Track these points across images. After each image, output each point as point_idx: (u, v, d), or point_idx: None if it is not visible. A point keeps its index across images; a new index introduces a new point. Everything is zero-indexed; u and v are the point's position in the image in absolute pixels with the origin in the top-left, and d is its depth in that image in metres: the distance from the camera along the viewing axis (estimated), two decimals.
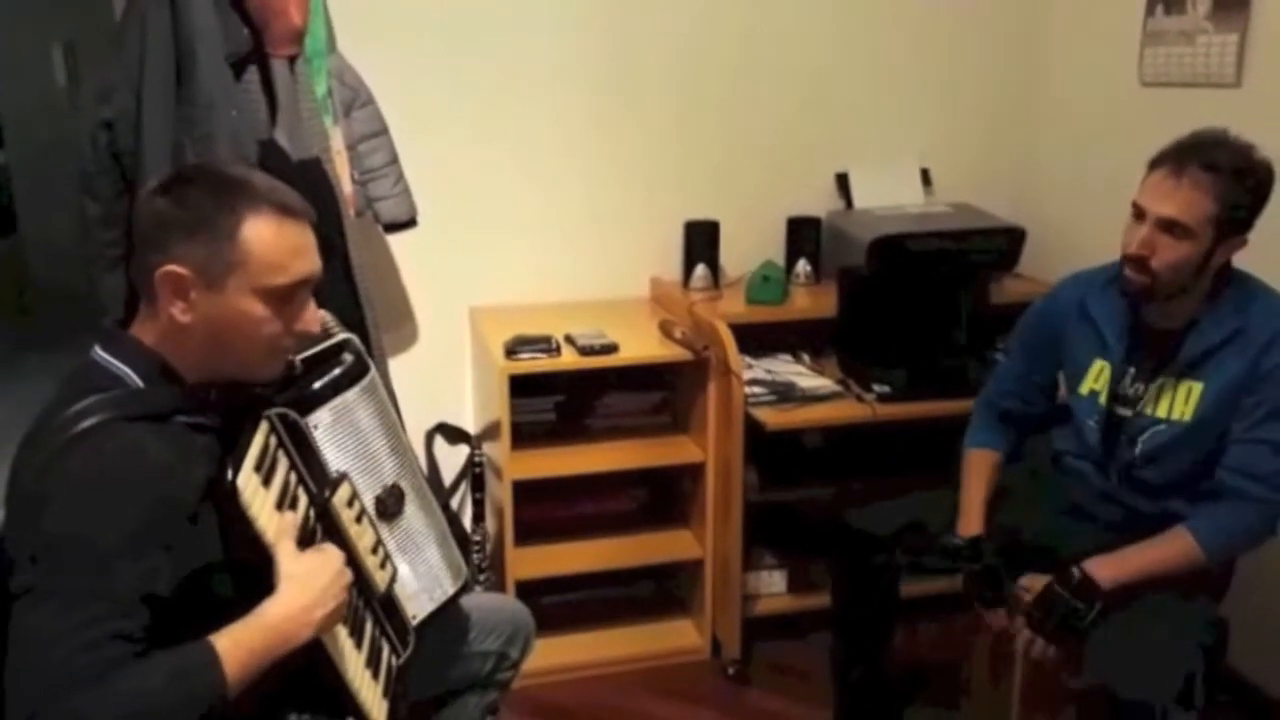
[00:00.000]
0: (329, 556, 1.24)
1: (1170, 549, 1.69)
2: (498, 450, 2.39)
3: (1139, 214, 1.66)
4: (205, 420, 1.23)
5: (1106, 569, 1.69)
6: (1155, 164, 1.66)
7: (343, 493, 1.31)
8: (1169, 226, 1.62)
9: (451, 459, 2.71)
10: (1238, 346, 1.68)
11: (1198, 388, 1.70)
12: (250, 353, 1.24)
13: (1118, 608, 1.68)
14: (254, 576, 1.18)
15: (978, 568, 1.85)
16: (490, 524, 2.60)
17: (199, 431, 1.22)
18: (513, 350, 2.30)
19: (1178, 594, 1.69)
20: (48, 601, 1.06)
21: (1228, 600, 1.82)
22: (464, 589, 1.58)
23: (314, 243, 1.27)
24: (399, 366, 2.54)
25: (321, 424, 1.32)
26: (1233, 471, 1.68)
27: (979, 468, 1.96)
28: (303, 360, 1.33)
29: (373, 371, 1.40)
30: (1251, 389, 1.67)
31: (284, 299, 1.23)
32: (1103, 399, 1.80)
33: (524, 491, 2.37)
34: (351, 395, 1.36)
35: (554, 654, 2.42)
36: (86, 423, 1.13)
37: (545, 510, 2.53)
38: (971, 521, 1.90)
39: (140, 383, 1.21)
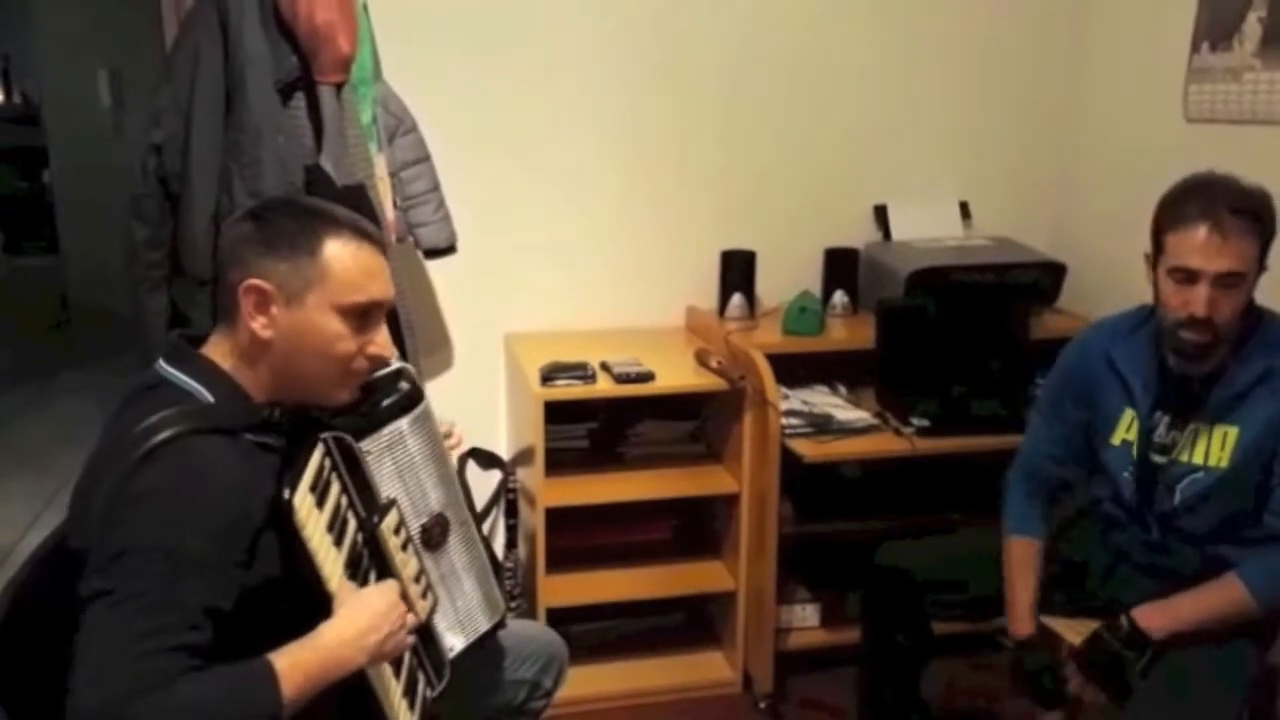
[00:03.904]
0: (385, 588, 1.26)
1: (1221, 597, 1.66)
2: (531, 476, 2.39)
3: (1188, 277, 1.61)
4: (270, 440, 1.25)
5: (1157, 619, 1.66)
6: (1180, 222, 1.61)
7: (391, 519, 1.32)
8: (1228, 281, 1.59)
9: (484, 484, 2.71)
10: (1268, 387, 1.65)
11: (1233, 432, 1.67)
12: (325, 372, 1.28)
13: (1165, 655, 1.64)
14: (308, 595, 1.19)
15: (1033, 670, 1.80)
16: (522, 550, 2.59)
17: (265, 451, 1.24)
18: (549, 377, 2.31)
19: (1224, 642, 1.65)
20: (119, 608, 1.07)
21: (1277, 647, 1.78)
22: (500, 624, 1.58)
23: (388, 270, 1.32)
24: (434, 391, 2.52)
25: (374, 450, 1.33)
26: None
27: (1024, 561, 1.88)
28: (359, 385, 1.35)
29: (426, 401, 1.41)
30: None
31: (360, 318, 1.28)
32: (1135, 449, 1.77)
33: (556, 518, 2.36)
34: (404, 423, 1.37)
35: (584, 684, 2.40)
36: (164, 435, 1.15)
37: (577, 538, 2.52)
38: (1024, 621, 1.84)
39: (211, 398, 1.23)
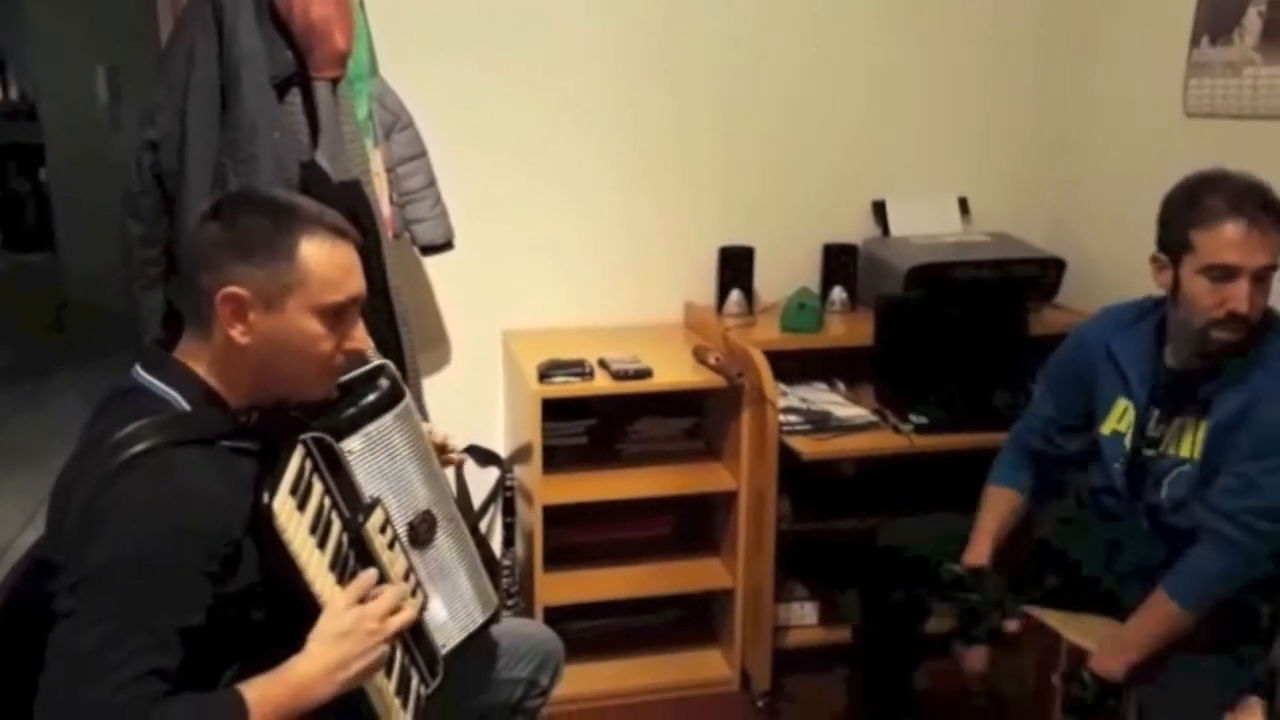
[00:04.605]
0: (366, 614, 1.22)
1: (1156, 618, 1.66)
2: (528, 474, 2.38)
3: (1226, 274, 1.59)
4: (248, 445, 1.24)
5: (1111, 661, 1.67)
6: (1210, 219, 1.59)
7: (376, 518, 1.31)
8: (1264, 274, 1.59)
9: (482, 481, 2.70)
10: (1245, 379, 1.64)
11: (1205, 424, 1.67)
12: (304, 371, 1.26)
13: (1147, 677, 1.65)
14: (289, 601, 1.18)
15: (974, 599, 1.81)
16: (519, 548, 2.58)
17: (243, 456, 1.23)
18: (546, 374, 2.30)
19: (1218, 649, 1.65)
20: (89, 631, 1.06)
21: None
22: (493, 619, 1.57)
23: (359, 263, 1.30)
24: (431, 388, 2.54)
25: (355, 449, 1.32)
26: (1207, 510, 1.65)
27: (995, 503, 1.94)
28: (339, 385, 1.34)
29: (407, 398, 1.40)
30: (1245, 425, 1.63)
31: (337, 316, 1.26)
32: (1127, 441, 1.77)
33: (554, 516, 2.36)
34: (386, 421, 1.35)
35: (581, 682, 2.39)
36: (137, 448, 1.13)
37: (575, 535, 2.52)
38: (978, 551, 1.87)
39: (187, 406, 1.22)
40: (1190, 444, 1.69)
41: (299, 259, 1.22)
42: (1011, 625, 1.76)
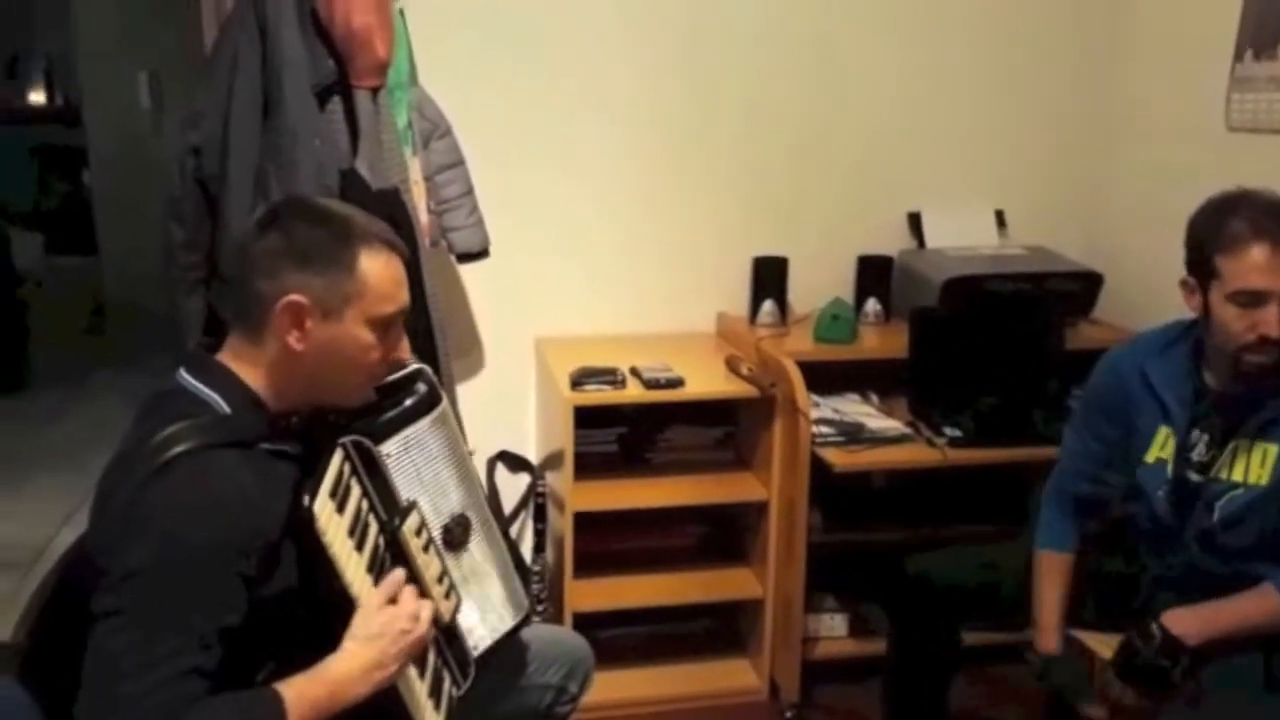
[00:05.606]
0: (398, 614, 1.25)
1: (1256, 607, 1.63)
2: (560, 480, 2.39)
3: (1254, 299, 1.56)
4: (287, 448, 1.26)
5: (1189, 624, 1.62)
6: (1233, 244, 1.57)
7: (412, 521, 1.32)
8: None
9: (513, 487, 2.71)
10: None
11: (1273, 450, 1.64)
12: (352, 379, 1.29)
13: (1204, 662, 1.61)
14: (328, 602, 1.20)
15: (1057, 684, 1.80)
16: (550, 554, 2.59)
17: (281, 459, 1.25)
18: (578, 381, 2.31)
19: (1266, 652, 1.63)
20: (129, 630, 1.08)
21: None
22: (524, 622, 1.58)
23: (406, 276, 1.33)
24: (465, 393, 2.56)
25: (393, 452, 1.33)
26: None
27: (1051, 573, 1.86)
28: (376, 388, 1.35)
29: (444, 402, 1.41)
30: None
31: (386, 328, 1.29)
32: (1170, 467, 1.74)
33: (584, 523, 2.36)
34: (423, 425, 1.37)
35: (609, 689, 2.39)
36: (177, 449, 1.15)
37: (605, 542, 2.52)
38: (1048, 637, 1.83)
39: (228, 409, 1.23)
40: (1245, 468, 1.66)
41: (359, 271, 1.25)
42: (1098, 714, 1.73)
